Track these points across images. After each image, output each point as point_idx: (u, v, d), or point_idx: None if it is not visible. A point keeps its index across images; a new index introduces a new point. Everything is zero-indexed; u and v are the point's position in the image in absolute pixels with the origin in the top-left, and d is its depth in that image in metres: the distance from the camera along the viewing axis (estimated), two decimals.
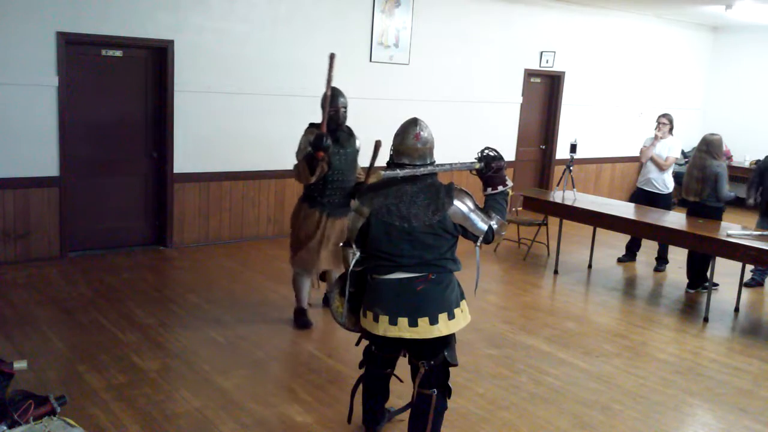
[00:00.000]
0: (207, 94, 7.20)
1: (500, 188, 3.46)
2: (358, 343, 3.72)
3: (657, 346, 5.43)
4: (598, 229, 7.45)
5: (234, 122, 7.42)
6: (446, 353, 3.36)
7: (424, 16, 8.70)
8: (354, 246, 3.40)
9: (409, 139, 3.32)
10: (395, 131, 3.41)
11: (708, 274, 6.39)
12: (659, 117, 7.60)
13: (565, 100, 10.58)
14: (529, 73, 10.10)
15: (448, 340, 3.37)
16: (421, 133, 3.33)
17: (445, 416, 3.85)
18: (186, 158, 7.20)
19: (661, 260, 7.62)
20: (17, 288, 5.82)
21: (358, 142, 5.23)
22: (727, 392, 4.66)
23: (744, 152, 11.80)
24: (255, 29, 7.42)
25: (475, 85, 9.47)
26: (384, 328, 3.28)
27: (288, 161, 7.85)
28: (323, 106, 4.89)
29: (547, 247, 8.05)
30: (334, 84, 4.81)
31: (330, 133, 4.90)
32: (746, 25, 11.30)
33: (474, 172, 3.52)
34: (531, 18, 9.84)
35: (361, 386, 3.70)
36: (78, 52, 6.52)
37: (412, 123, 3.37)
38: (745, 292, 6.71)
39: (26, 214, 6.44)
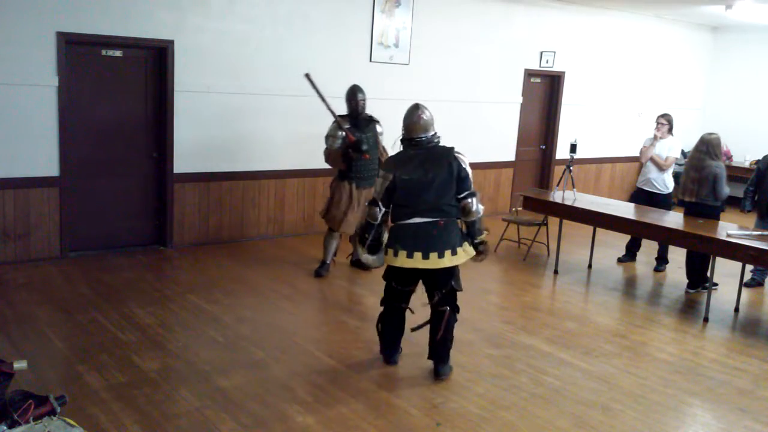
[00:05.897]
0: (207, 94, 7.19)
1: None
2: (384, 276, 4.62)
3: (657, 346, 5.43)
4: (598, 229, 7.45)
5: (234, 122, 7.42)
6: (453, 282, 4.43)
7: (424, 16, 8.70)
8: (380, 204, 4.41)
9: (413, 118, 4.44)
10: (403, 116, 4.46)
11: (708, 274, 6.39)
12: (658, 117, 7.60)
13: (565, 100, 10.57)
14: (529, 73, 10.09)
15: (453, 272, 4.42)
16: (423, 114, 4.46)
17: (445, 416, 3.95)
18: (186, 158, 7.20)
19: (661, 260, 7.61)
20: (17, 288, 5.82)
21: (379, 127, 6.57)
22: (727, 392, 4.66)
23: (744, 152, 11.79)
24: (255, 29, 7.41)
25: (475, 85, 9.47)
26: (402, 260, 4.32)
27: (288, 161, 7.91)
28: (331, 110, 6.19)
29: (547, 247, 8.05)
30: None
31: (351, 121, 6.38)
32: (746, 25, 11.30)
33: None
34: (531, 18, 9.84)
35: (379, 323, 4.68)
36: (78, 52, 6.52)
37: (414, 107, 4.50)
38: (745, 292, 6.71)
39: (26, 214, 6.44)
